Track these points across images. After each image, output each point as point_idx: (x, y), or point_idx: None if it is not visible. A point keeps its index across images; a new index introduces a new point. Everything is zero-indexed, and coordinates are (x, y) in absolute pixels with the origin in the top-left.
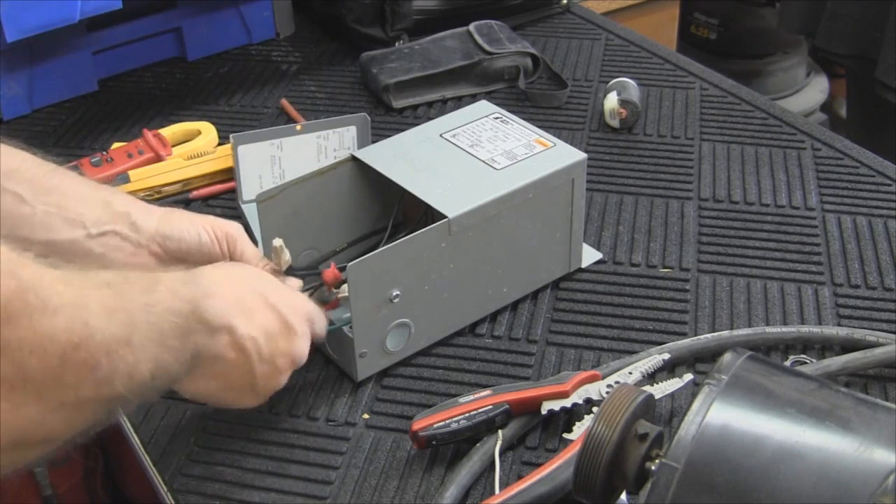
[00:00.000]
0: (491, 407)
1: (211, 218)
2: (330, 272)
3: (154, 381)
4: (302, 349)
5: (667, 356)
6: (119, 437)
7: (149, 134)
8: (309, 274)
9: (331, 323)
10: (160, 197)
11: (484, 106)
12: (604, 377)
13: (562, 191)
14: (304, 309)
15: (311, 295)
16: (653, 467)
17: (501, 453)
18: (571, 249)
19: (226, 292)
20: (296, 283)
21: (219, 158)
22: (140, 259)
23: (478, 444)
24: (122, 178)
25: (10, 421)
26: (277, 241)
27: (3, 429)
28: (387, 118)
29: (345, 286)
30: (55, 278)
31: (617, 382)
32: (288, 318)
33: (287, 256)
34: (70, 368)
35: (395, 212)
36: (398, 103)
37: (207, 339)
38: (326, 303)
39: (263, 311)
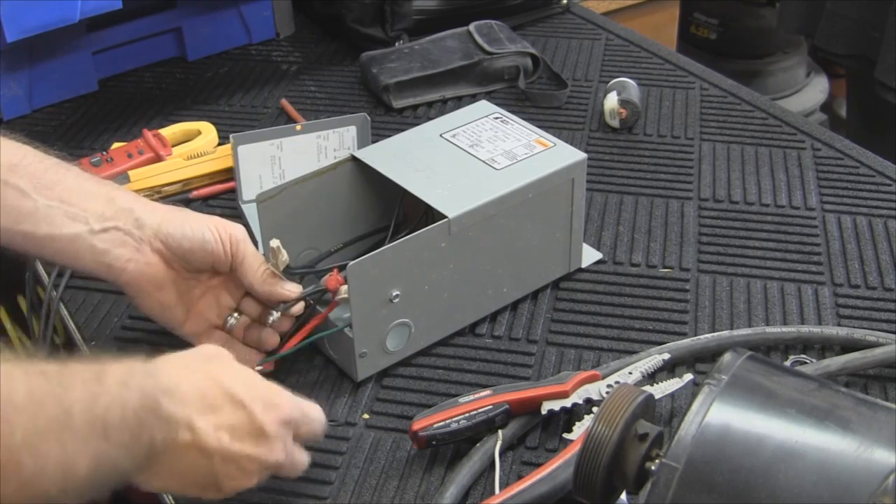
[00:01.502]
0: (491, 407)
1: (216, 218)
2: (333, 279)
3: (96, 478)
4: (274, 454)
5: (667, 356)
6: None
7: (149, 134)
8: (306, 273)
9: (331, 324)
10: (160, 197)
11: (484, 106)
12: (604, 377)
13: (562, 191)
14: (283, 410)
15: (313, 302)
16: (653, 467)
17: (501, 453)
18: (571, 249)
19: (186, 387)
20: (295, 287)
21: (219, 158)
22: (143, 256)
23: (478, 444)
24: (122, 178)
25: None
26: (275, 242)
27: None
28: (387, 118)
29: (344, 287)
30: None
31: (617, 382)
32: (258, 418)
33: (285, 257)
34: None
35: (395, 212)
36: (398, 103)
37: (166, 435)
38: (327, 304)
39: (230, 408)
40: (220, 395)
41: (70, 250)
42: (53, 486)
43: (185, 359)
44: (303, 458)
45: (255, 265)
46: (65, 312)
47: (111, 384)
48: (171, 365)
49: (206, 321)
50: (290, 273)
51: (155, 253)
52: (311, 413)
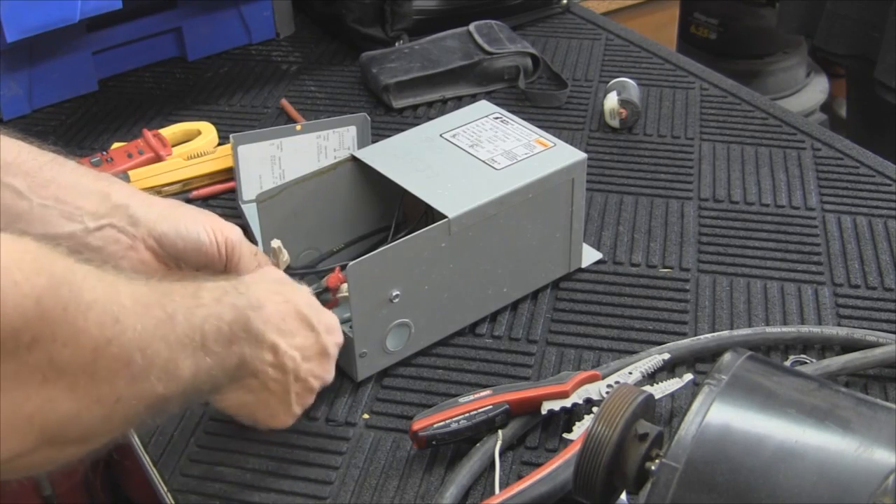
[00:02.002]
0: (491, 407)
1: (212, 217)
2: (334, 277)
3: (196, 383)
4: (332, 371)
5: (667, 356)
6: None
7: (149, 134)
8: (306, 273)
9: None
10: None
11: (484, 106)
12: (604, 377)
13: (562, 191)
14: (339, 335)
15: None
16: (653, 467)
17: (501, 453)
18: (571, 249)
19: (270, 308)
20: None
21: (219, 158)
22: (137, 253)
23: (478, 444)
24: (122, 178)
25: (44, 414)
26: (276, 242)
27: (37, 422)
28: (387, 118)
29: (345, 286)
30: (87, 273)
31: (617, 382)
32: (324, 342)
33: (286, 257)
34: (103, 363)
35: (395, 212)
36: (398, 103)
37: (253, 351)
38: (327, 302)
39: (304, 332)
40: (295, 318)
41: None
42: (160, 384)
43: (265, 280)
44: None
45: (251, 267)
46: None
47: (207, 298)
48: (257, 286)
49: None
50: (290, 273)
51: (148, 250)
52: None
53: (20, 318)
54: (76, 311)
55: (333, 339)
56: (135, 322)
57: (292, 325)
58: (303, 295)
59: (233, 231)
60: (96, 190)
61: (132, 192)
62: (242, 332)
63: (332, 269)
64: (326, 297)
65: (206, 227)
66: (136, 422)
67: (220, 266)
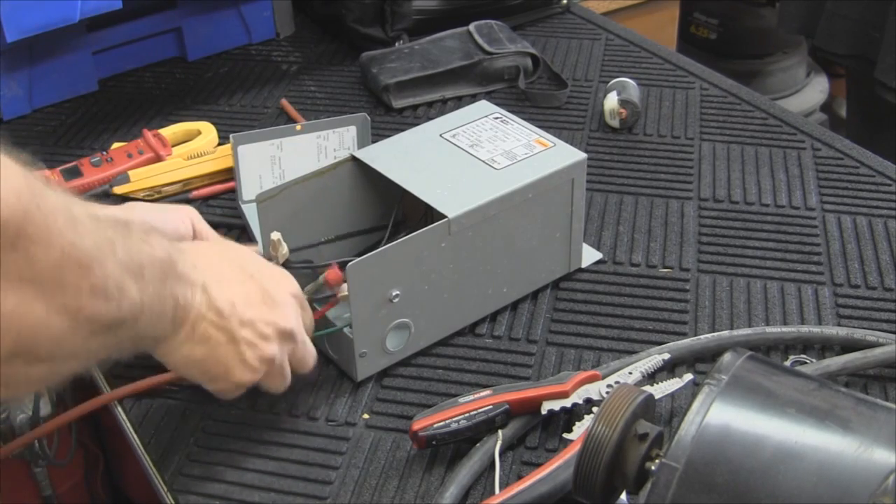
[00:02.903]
0: (491, 407)
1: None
2: (332, 272)
3: (144, 315)
4: (288, 317)
5: (667, 356)
6: (119, 437)
7: (149, 134)
8: (305, 268)
9: (331, 324)
10: (160, 197)
11: (484, 106)
12: (604, 377)
13: (562, 191)
14: (289, 283)
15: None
16: (653, 467)
17: (501, 453)
18: (571, 249)
19: (200, 257)
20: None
21: (219, 158)
22: None
23: (478, 444)
24: (122, 178)
25: (19, 316)
26: (275, 235)
27: (13, 324)
28: (387, 118)
29: (345, 286)
30: (44, 182)
31: (617, 382)
32: (267, 287)
33: (285, 249)
34: (68, 268)
35: (395, 212)
36: (398, 103)
37: (185, 291)
38: (326, 298)
39: (240, 279)
40: (227, 265)
41: None
42: (114, 302)
43: (198, 244)
44: (313, 350)
45: None
46: None
47: (137, 232)
48: (186, 245)
49: None
50: (289, 267)
51: None
52: (303, 299)
53: (7, 210)
54: (47, 211)
55: (281, 287)
56: (90, 233)
57: (224, 273)
58: (241, 252)
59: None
60: None
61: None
62: (172, 272)
63: (329, 265)
64: (324, 293)
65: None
66: (96, 347)
67: None
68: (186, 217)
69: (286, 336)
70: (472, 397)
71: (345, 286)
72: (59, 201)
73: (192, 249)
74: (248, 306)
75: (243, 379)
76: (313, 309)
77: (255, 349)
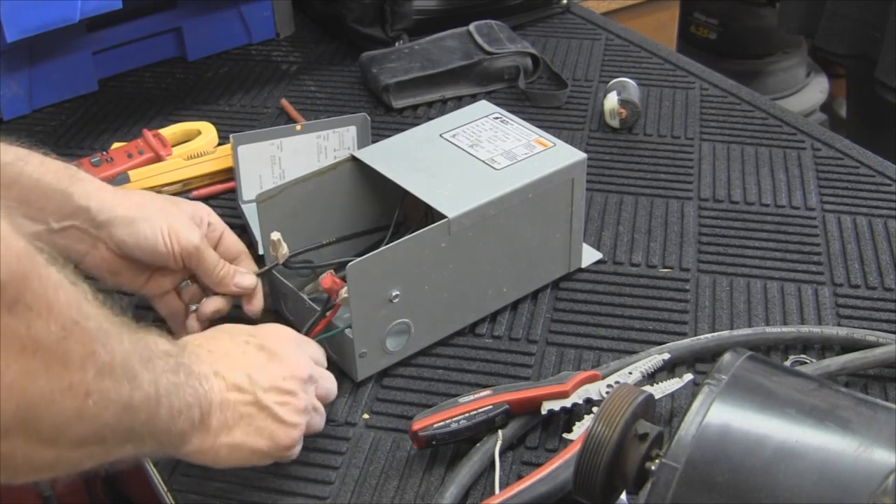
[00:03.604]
0: (491, 407)
1: (173, 222)
2: (328, 279)
3: (160, 403)
4: (300, 366)
5: (667, 356)
6: None
7: (149, 134)
8: (305, 268)
9: (332, 325)
10: None
11: (484, 106)
12: (604, 377)
13: (562, 191)
14: (281, 331)
15: (311, 282)
16: (653, 467)
17: (501, 453)
18: (571, 249)
19: (195, 346)
20: (249, 281)
21: (219, 158)
22: (99, 252)
23: (478, 444)
24: (122, 178)
25: (22, 387)
26: (275, 235)
27: (14, 394)
28: (387, 118)
29: (345, 289)
30: (47, 259)
31: (617, 382)
32: (266, 345)
33: (285, 249)
34: (73, 346)
35: (395, 212)
36: (398, 103)
37: (200, 382)
38: (326, 299)
39: (240, 350)
40: (224, 345)
41: None
42: (124, 386)
43: (200, 336)
44: (332, 378)
45: (210, 270)
46: None
47: (142, 329)
48: (192, 340)
49: (162, 288)
50: (289, 267)
51: (109, 250)
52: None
53: (6, 272)
54: (48, 283)
55: (280, 339)
56: (93, 316)
57: (223, 348)
58: (238, 328)
59: (190, 240)
60: (59, 189)
61: (95, 191)
62: (180, 364)
63: (329, 266)
64: (320, 298)
65: (164, 237)
66: (111, 438)
67: (177, 267)
68: (201, 209)
69: (307, 382)
70: (472, 397)
71: (345, 289)
72: (61, 278)
73: (187, 342)
74: (261, 372)
75: (291, 438)
76: (313, 312)
77: (287, 407)
